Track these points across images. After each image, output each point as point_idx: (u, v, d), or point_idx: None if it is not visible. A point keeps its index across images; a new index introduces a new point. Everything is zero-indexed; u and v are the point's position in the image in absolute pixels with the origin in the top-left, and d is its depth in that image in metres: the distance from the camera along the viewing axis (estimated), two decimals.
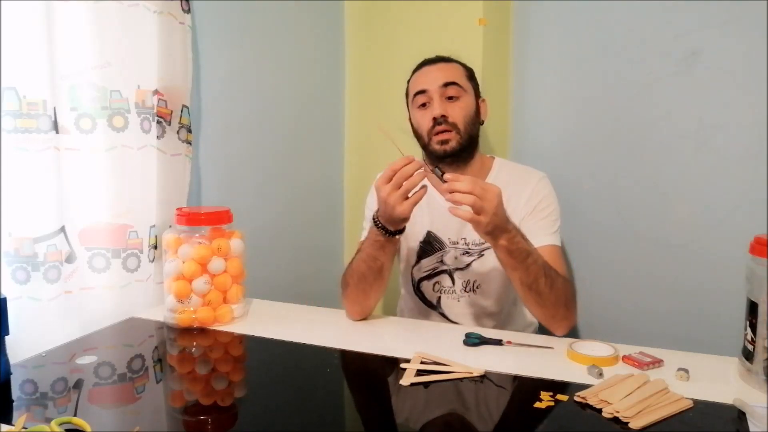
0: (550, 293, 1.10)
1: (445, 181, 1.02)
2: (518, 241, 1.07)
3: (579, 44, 1.67)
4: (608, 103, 1.64)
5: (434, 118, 1.23)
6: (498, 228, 1.04)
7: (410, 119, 1.33)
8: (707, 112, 1.50)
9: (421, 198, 1.06)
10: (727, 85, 1.47)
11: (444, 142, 1.24)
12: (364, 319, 1.22)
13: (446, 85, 1.24)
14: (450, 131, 1.23)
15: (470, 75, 1.32)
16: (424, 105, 1.27)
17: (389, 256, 1.16)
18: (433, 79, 1.26)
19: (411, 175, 1.03)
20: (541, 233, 1.23)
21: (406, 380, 0.92)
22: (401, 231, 1.12)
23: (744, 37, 1.44)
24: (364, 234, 1.33)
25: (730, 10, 1.44)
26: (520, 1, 1.75)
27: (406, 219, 1.08)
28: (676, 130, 1.55)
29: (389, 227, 1.10)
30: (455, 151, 1.25)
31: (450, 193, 1.01)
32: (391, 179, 1.04)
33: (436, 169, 1.07)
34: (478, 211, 1.00)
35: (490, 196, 1.01)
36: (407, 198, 1.05)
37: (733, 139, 1.48)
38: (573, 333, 1.71)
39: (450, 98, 1.25)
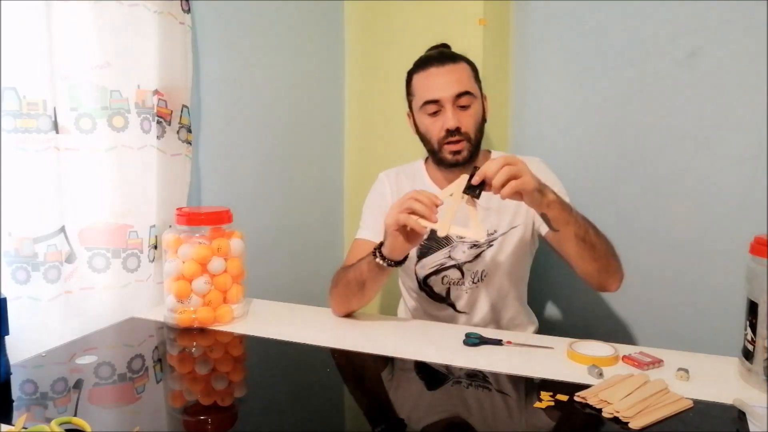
0: (601, 243, 1.13)
1: (479, 191, 1.02)
2: (559, 195, 1.08)
3: (579, 44, 1.67)
4: (608, 103, 1.64)
5: (447, 130, 1.22)
6: (541, 183, 1.04)
7: (414, 120, 1.31)
8: (707, 112, 1.50)
9: (405, 224, 1.05)
10: (727, 85, 1.47)
11: (457, 152, 1.24)
12: (348, 316, 1.24)
13: (459, 95, 1.22)
14: (462, 141, 1.23)
15: (476, 74, 1.30)
16: (434, 113, 1.24)
17: (373, 275, 1.16)
18: (444, 86, 1.22)
19: (421, 201, 1.03)
20: None
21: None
22: (391, 263, 1.12)
23: (744, 36, 1.44)
24: (360, 233, 1.34)
25: (730, 10, 1.44)
26: (520, 1, 1.75)
27: (390, 233, 1.08)
28: (676, 130, 1.55)
29: (383, 248, 1.11)
30: (466, 160, 1.25)
31: (488, 188, 1.01)
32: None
33: (466, 192, 1.05)
34: (516, 174, 1.00)
35: (512, 159, 1.01)
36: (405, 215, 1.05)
37: (733, 139, 1.48)
38: (573, 333, 1.72)
39: (461, 107, 1.23)
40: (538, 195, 1.04)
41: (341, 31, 1.92)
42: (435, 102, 1.23)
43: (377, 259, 1.12)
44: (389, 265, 1.13)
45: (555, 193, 1.07)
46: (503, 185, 1.00)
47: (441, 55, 1.27)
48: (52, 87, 1.09)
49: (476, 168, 1.03)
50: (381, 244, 1.14)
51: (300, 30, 1.75)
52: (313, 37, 1.82)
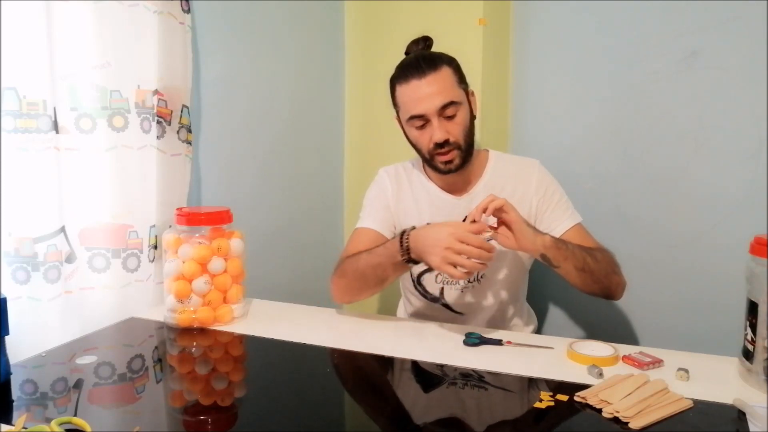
0: (599, 267, 1.16)
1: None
2: (551, 234, 1.15)
3: (579, 44, 1.67)
4: (608, 103, 1.64)
5: (435, 143, 1.20)
6: (531, 225, 1.12)
7: (403, 129, 1.28)
8: (707, 112, 1.50)
9: (457, 273, 1.05)
10: (727, 85, 1.47)
11: (448, 162, 1.23)
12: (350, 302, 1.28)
13: (444, 107, 1.19)
14: (452, 150, 1.21)
15: (459, 76, 1.24)
16: (421, 126, 1.22)
17: (397, 274, 1.20)
18: (427, 100, 1.18)
19: (475, 247, 1.04)
20: (563, 217, 1.28)
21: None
22: (417, 262, 1.14)
23: (744, 37, 1.44)
24: (362, 222, 1.34)
25: (730, 10, 1.44)
26: (520, 1, 1.75)
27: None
28: (676, 130, 1.55)
29: (412, 254, 1.11)
30: (459, 167, 1.24)
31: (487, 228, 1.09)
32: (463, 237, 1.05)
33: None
34: (502, 207, 1.08)
35: (490, 198, 1.08)
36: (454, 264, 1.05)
37: (733, 139, 1.48)
38: (573, 333, 1.72)
39: (448, 117, 1.20)
40: (536, 236, 1.11)
41: (341, 31, 1.92)
42: (420, 117, 1.20)
43: (409, 263, 1.14)
44: (412, 262, 1.14)
45: (550, 235, 1.13)
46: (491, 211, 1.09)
47: (420, 63, 1.21)
48: (52, 87, 1.09)
49: (466, 217, 1.13)
50: (406, 244, 1.12)
51: (300, 30, 1.76)
52: (313, 36, 1.82)
